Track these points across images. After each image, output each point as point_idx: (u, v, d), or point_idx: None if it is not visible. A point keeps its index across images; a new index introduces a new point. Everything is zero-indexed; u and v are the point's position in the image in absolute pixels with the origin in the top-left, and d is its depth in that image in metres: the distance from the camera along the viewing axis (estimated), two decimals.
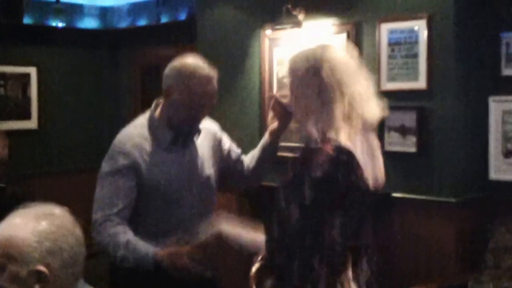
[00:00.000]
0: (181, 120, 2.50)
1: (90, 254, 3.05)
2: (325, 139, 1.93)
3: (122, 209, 2.46)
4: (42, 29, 5.56)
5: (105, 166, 2.55)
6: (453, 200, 3.49)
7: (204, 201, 2.60)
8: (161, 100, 2.56)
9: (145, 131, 2.54)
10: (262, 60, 4.36)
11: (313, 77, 1.95)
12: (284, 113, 2.49)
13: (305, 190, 1.90)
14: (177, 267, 2.32)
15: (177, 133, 2.53)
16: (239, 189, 2.86)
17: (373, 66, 3.79)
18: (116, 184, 2.48)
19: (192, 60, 2.51)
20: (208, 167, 2.63)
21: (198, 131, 2.59)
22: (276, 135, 2.61)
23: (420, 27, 3.58)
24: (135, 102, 5.82)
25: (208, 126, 2.69)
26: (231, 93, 4.45)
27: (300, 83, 1.98)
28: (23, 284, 1.67)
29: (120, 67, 5.97)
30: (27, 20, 5.44)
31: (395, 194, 3.63)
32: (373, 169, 2.01)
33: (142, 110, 5.62)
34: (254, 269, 2.77)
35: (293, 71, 2.02)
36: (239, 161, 2.76)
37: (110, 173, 2.50)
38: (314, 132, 1.95)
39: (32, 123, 5.60)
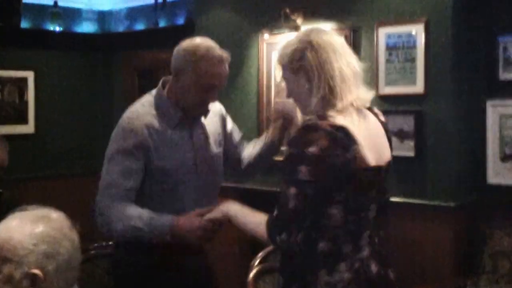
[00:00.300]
0: (190, 102, 2.42)
1: (87, 259, 3.06)
2: (321, 117, 1.94)
3: (128, 190, 2.38)
4: (40, 33, 5.55)
5: (113, 145, 2.45)
6: (451, 204, 3.49)
7: (210, 182, 2.55)
8: (169, 78, 2.49)
9: (152, 110, 2.46)
10: (260, 64, 4.36)
11: (299, 60, 2.00)
12: (285, 115, 2.52)
13: (302, 166, 1.90)
14: (191, 237, 2.31)
15: (185, 113, 2.46)
16: (231, 174, 2.82)
17: (371, 70, 3.80)
18: (124, 164, 2.40)
19: (202, 41, 2.46)
20: (214, 147, 2.57)
21: (207, 113, 2.52)
22: (279, 134, 2.58)
23: (417, 31, 3.59)
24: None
25: (214, 105, 2.61)
26: (229, 97, 4.45)
27: (289, 68, 2.04)
28: (17, 286, 1.66)
29: (117, 71, 5.97)
30: (24, 24, 5.43)
31: (392, 199, 3.63)
32: (374, 145, 2.00)
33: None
34: (251, 274, 2.78)
35: (281, 58, 2.07)
36: (238, 147, 2.71)
37: (118, 152, 2.42)
38: (310, 111, 1.98)
39: (29, 128, 5.59)
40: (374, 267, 2.02)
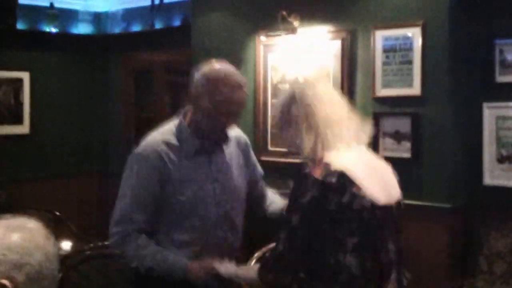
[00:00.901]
0: (210, 127, 2.39)
1: (82, 259, 3.05)
2: (316, 163, 2.00)
3: (142, 223, 2.36)
4: (36, 34, 5.54)
5: (128, 174, 2.41)
6: (447, 205, 3.50)
7: (232, 212, 2.48)
8: (189, 107, 2.45)
9: (171, 138, 2.41)
10: (256, 66, 4.36)
11: (287, 113, 2.11)
12: None
13: (294, 216, 1.97)
14: (202, 281, 2.31)
15: (203, 142, 2.41)
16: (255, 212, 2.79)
17: (368, 72, 3.81)
18: (138, 194, 2.36)
19: (221, 66, 2.42)
20: (237, 178, 2.51)
21: (227, 139, 2.48)
22: None
23: (414, 34, 3.60)
24: (128, 108, 5.81)
25: (238, 134, 2.58)
26: None
27: (281, 121, 2.16)
28: None
29: (113, 72, 5.96)
30: (20, 25, 5.42)
31: None
32: (381, 183, 2.02)
33: (135, 115, 5.63)
34: None
35: (275, 109, 2.24)
36: (259, 183, 2.66)
37: (132, 182, 2.38)
38: (305, 157, 2.04)
39: (24, 128, 5.57)
40: None
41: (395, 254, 2.02)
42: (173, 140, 2.41)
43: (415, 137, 3.60)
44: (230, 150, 2.51)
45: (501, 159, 3.47)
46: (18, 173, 5.42)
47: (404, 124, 3.62)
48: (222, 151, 2.48)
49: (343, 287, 1.95)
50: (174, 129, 2.44)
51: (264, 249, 2.93)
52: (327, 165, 1.96)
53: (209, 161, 2.45)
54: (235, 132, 2.55)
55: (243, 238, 2.58)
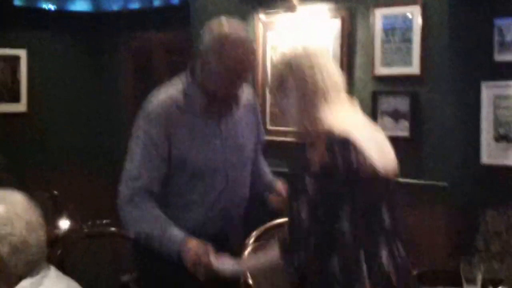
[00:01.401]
0: (217, 87, 2.31)
1: (81, 237, 3.06)
2: (318, 132, 1.97)
3: (151, 183, 2.32)
4: (33, 11, 5.51)
5: (136, 134, 2.37)
6: (445, 184, 3.52)
7: (239, 175, 2.44)
8: (197, 65, 2.37)
9: (180, 97, 2.35)
10: (256, 45, 4.35)
11: (282, 84, 2.07)
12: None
13: (307, 185, 1.92)
14: (195, 267, 2.24)
15: (211, 100, 2.35)
16: None
17: (367, 51, 3.81)
18: (147, 154, 2.32)
19: (229, 24, 2.35)
20: (246, 140, 2.46)
21: (235, 101, 2.41)
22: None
23: (414, 13, 3.59)
24: (126, 86, 5.79)
25: (249, 96, 2.51)
26: None
27: (276, 92, 2.11)
28: None
29: (112, 50, 5.93)
30: (17, 2, 5.39)
31: None
32: (380, 152, 2.02)
33: (134, 93, 5.57)
34: (246, 252, 2.79)
35: (269, 84, 2.14)
36: (259, 155, 2.62)
37: (141, 142, 2.34)
38: (307, 128, 2.01)
39: (21, 106, 5.56)
40: (394, 278, 1.99)
41: (389, 225, 2.00)
42: (181, 99, 2.36)
43: (413, 116, 3.60)
44: (240, 113, 2.45)
45: (498, 138, 3.48)
46: (15, 152, 5.42)
47: (402, 103, 3.63)
48: (231, 111, 2.42)
49: (337, 254, 1.94)
50: (181, 88, 2.39)
51: (262, 228, 2.94)
52: (329, 132, 1.94)
53: (218, 121, 2.39)
54: (246, 93, 2.49)
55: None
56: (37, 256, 1.79)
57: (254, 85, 4.37)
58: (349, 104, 2.07)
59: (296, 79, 2.04)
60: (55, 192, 4.49)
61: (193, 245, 2.27)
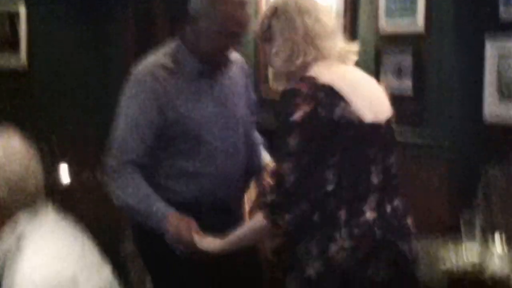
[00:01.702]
0: (209, 48, 2.25)
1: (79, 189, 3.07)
2: (302, 78, 1.92)
3: (138, 154, 2.25)
4: None
5: (124, 101, 2.30)
6: (446, 142, 3.52)
7: (236, 141, 2.39)
8: (187, 27, 2.31)
9: (168, 61, 2.28)
10: (258, 1, 4.28)
11: (268, 29, 2.05)
12: None
13: (289, 138, 1.88)
14: (176, 243, 2.19)
15: (204, 63, 2.29)
16: None
17: (371, 8, 3.76)
18: (134, 123, 2.25)
19: None
20: (240, 103, 2.41)
21: (228, 62, 2.35)
22: None
23: None
24: (128, 44, 5.73)
25: (240, 59, 2.46)
26: None
27: (262, 38, 2.10)
28: None
29: (113, 16, 5.82)
30: None
31: None
32: (369, 100, 1.97)
33: (135, 51, 5.47)
34: (248, 208, 2.78)
35: (256, 30, 2.15)
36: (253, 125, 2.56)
37: (129, 109, 2.27)
38: (290, 76, 1.98)
39: (21, 61, 5.47)
40: (379, 234, 1.96)
41: (379, 177, 1.96)
42: (171, 63, 2.29)
43: (417, 74, 3.56)
44: (233, 75, 2.41)
45: (502, 97, 3.46)
46: (15, 110, 5.37)
47: (405, 60, 3.59)
48: (223, 75, 2.37)
49: (317, 204, 1.91)
50: (172, 52, 2.32)
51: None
52: (313, 79, 1.90)
53: (211, 85, 2.33)
54: (236, 57, 2.43)
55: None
56: (35, 195, 1.80)
57: (255, 43, 4.32)
58: (342, 55, 2.02)
59: (281, 23, 2.00)
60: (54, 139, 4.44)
61: (175, 220, 2.21)
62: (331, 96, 1.88)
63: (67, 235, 1.88)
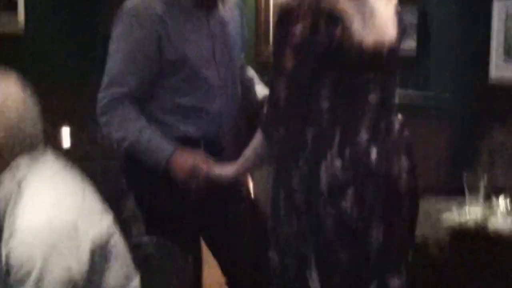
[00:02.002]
0: None
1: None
2: (305, 2, 1.85)
3: (136, 88, 2.19)
4: None
5: (119, 36, 2.21)
6: (451, 101, 3.50)
7: (232, 76, 2.34)
8: None
9: None
10: None
11: None
12: None
13: (286, 51, 1.84)
14: (181, 175, 2.15)
15: None
16: None
17: None
18: (131, 55, 2.17)
19: None
20: (236, 42, 2.36)
21: None
22: None
23: None
24: None
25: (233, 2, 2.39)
26: None
27: None
28: None
29: None
30: None
31: None
32: (372, 21, 1.92)
33: None
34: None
35: None
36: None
37: (124, 42, 2.19)
38: None
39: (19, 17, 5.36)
40: (374, 155, 1.92)
41: (377, 97, 1.92)
42: None
43: (421, 31, 3.52)
44: (229, 10, 2.37)
45: (508, 57, 3.43)
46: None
47: (410, 19, 3.54)
48: (219, 10, 2.32)
49: (311, 120, 1.88)
50: None
51: None
52: (317, 4, 1.84)
53: (207, 18, 2.29)
54: None
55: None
56: (34, 139, 1.77)
57: (256, 6, 4.24)
58: None
59: None
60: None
61: (187, 155, 2.17)
62: (331, 15, 1.83)
63: (68, 181, 1.85)
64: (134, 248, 1.98)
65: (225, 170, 2.17)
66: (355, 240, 1.89)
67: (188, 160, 2.17)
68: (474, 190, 2.96)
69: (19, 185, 1.75)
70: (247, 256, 2.46)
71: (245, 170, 2.18)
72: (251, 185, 2.77)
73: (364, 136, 1.91)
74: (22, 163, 1.76)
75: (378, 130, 1.94)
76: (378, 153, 1.93)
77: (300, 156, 1.90)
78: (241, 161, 2.12)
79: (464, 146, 3.52)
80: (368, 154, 1.92)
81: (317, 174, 1.88)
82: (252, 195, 2.74)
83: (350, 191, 1.89)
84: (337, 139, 1.89)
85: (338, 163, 1.88)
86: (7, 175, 1.75)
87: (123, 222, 2.37)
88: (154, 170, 2.22)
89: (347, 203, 1.88)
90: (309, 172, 1.88)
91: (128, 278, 1.90)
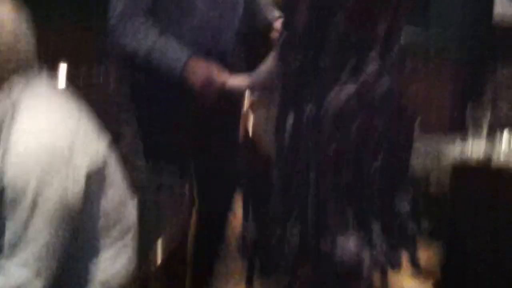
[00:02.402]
0: None
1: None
2: None
3: (147, 7, 2.16)
4: None
5: None
6: (456, 43, 3.46)
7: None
8: None
9: None
10: None
11: None
12: None
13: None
14: (197, 84, 2.13)
15: None
16: None
17: None
18: None
19: None
20: None
21: None
22: None
23: None
24: None
25: None
26: None
27: None
28: None
29: None
30: None
31: None
32: None
33: None
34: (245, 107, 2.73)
35: None
36: None
37: None
38: None
39: None
40: (382, 85, 1.93)
41: (385, 28, 1.93)
42: None
43: None
44: None
45: None
46: None
47: None
48: None
49: (326, 48, 1.89)
50: None
51: None
52: None
53: None
54: None
55: None
56: (28, 61, 1.73)
57: None
58: None
59: None
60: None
61: (202, 63, 2.15)
62: None
63: (63, 103, 1.81)
64: (131, 173, 1.96)
65: (239, 80, 2.18)
66: (359, 163, 1.90)
67: (203, 68, 2.15)
68: (477, 126, 2.93)
69: (13, 107, 1.71)
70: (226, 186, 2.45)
71: (257, 85, 2.18)
72: (251, 121, 2.74)
73: (374, 65, 1.91)
74: (17, 84, 1.72)
75: (385, 61, 1.95)
76: (385, 82, 1.93)
77: (313, 82, 1.89)
78: (254, 75, 2.13)
79: (467, 85, 3.49)
80: (376, 83, 1.92)
81: (328, 101, 1.88)
82: (251, 133, 2.72)
83: (357, 118, 1.90)
84: (349, 67, 1.89)
85: (350, 89, 1.88)
86: (0, 96, 1.71)
87: (120, 149, 2.36)
88: (167, 82, 2.18)
89: (354, 129, 1.88)
90: (320, 99, 1.88)
91: (124, 204, 1.88)
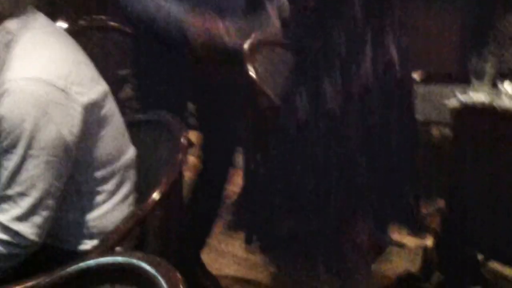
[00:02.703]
0: None
1: (77, 31, 2.94)
2: None
3: None
4: None
5: None
6: None
7: None
8: None
9: None
10: None
11: None
12: None
13: None
14: (206, 43, 2.13)
15: None
16: None
17: None
18: None
19: None
20: None
21: None
22: None
23: None
24: None
25: None
26: None
27: None
28: None
29: None
30: None
31: None
32: None
33: None
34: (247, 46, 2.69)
35: None
36: None
37: None
38: None
39: None
40: (395, 55, 1.96)
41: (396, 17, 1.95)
42: None
43: None
44: None
45: None
46: None
47: None
48: None
49: (343, 30, 1.87)
50: None
51: None
52: None
53: None
54: None
55: None
56: (24, 2, 1.70)
57: None
58: None
59: None
60: None
61: (199, 18, 2.15)
62: None
63: (60, 44, 1.79)
64: (129, 125, 1.95)
65: (240, 33, 2.22)
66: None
67: (201, 25, 2.15)
68: (480, 75, 2.89)
69: (7, 48, 1.69)
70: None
71: (260, 41, 2.20)
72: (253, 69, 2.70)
73: (390, 37, 1.90)
74: (11, 27, 1.70)
75: (399, 42, 1.94)
76: (398, 52, 1.95)
77: (334, 61, 1.87)
78: (258, 32, 2.15)
79: (472, 34, 3.45)
80: (391, 54, 1.91)
81: (349, 79, 1.89)
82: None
83: (376, 92, 1.92)
84: (369, 41, 1.89)
85: (370, 65, 1.88)
86: None
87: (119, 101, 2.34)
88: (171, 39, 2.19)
89: (373, 102, 1.89)
90: (340, 77, 1.87)
91: (121, 151, 1.87)
